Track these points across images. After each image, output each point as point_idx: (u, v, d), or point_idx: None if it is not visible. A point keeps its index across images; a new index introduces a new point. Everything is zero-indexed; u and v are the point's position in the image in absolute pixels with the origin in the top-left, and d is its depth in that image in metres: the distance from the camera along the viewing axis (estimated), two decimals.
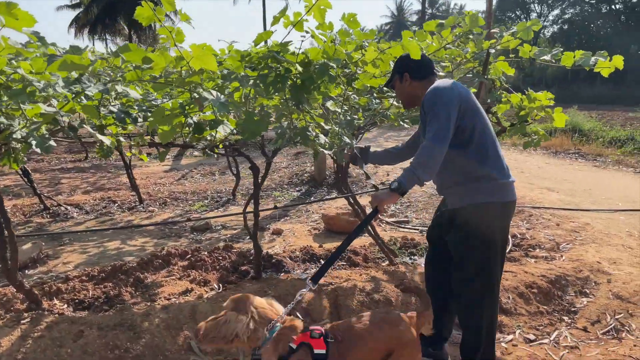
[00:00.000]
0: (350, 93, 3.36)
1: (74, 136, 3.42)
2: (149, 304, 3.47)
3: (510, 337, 3.26)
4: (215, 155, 3.61)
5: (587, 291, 3.82)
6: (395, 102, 3.67)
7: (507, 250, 4.81)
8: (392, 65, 2.88)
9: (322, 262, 4.65)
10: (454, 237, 2.60)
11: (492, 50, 3.52)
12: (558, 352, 3.08)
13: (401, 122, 3.76)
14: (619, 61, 3.37)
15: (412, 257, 4.92)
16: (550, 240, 4.98)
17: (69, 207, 7.14)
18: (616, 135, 12.46)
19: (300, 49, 2.80)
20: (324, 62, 2.67)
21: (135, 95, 2.76)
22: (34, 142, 2.37)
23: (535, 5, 44.94)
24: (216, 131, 3.23)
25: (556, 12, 44.15)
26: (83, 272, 4.13)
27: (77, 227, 6.26)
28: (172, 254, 4.45)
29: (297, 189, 8.31)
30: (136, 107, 3.08)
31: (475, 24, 3.16)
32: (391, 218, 6.30)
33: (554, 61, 3.43)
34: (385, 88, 3.18)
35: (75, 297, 3.70)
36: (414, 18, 58.21)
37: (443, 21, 3.19)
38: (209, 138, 3.48)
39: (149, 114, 3.10)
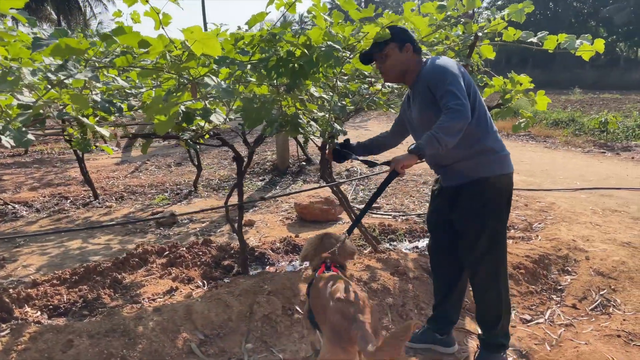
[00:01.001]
0: (345, 78, 3.25)
1: (41, 127, 3.12)
2: (136, 306, 3.25)
3: None
4: (200, 146, 3.40)
5: (569, 269, 3.94)
6: (384, 88, 3.60)
7: None
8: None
9: None
10: (464, 214, 2.57)
11: (480, 34, 3.51)
12: (556, 331, 3.16)
13: (389, 108, 3.70)
14: (600, 45, 3.45)
15: (392, 242, 4.91)
16: (523, 220, 5.12)
17: (16, 206, 6.62)
18: (558, 117, 13.05)
19: (300, 32, 2.66)
20: (329, 44, 2.54)
21: (123, 83, 2.53)
22: (9, 137, 2.11)
23: None
24: (205, 121, 3.06)
25: None
26: (53, 276, 3.81)
27: (29, 226, 5.81)
28: (148, 252, 4.20)
29: (260, 178, 8.12)
30: (118, 96, 2.85)
31: (473, 5, 3.13)
32: (362, 205, 6.26)
33: (541, 44, 3.47)
34: (367, 55, 2.68)
35: (49, 303, 3.41)
36: None
37: (444, 3, 3.13)
38: (194, 128, 3.28)
39: (134, 103, 2.88)
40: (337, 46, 2.57)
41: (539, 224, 5.00)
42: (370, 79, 3.78)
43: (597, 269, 3.86)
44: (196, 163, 7.35)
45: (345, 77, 3.31)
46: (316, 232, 5.43)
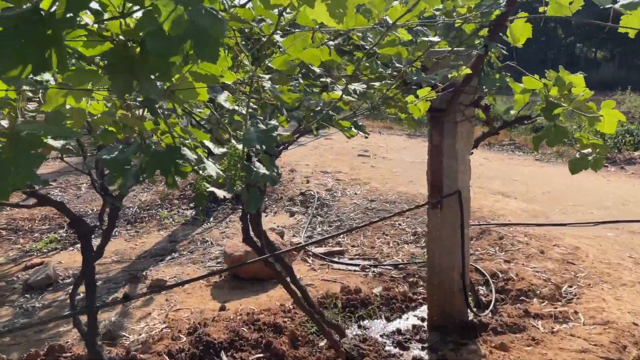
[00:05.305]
0: (266, 77, 1.62)
1: None
2: None
3: None
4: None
5: None
6: (349, 97, 1.96)
7: (492, 301, 3.37)
8: None
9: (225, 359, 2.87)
10: None
11: None
12: None
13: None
14: None
15: (362, 322, 3.31)
16: (545, 280, 3.60)
17: None
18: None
19: None
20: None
21: None
22: None
23: None
24: None
25: None
26: None
27: None
28: None
29: (191, 205, 6.36)
30: None
31: None
32: (321, 248, 4.62)
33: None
34: None
35: None
36: None
37: None
38: None
39: None
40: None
41: (570, 286, 3.50)
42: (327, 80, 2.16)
43: None
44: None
45: (267, 77, 1.66)
46: (252, 298, 3.77)
